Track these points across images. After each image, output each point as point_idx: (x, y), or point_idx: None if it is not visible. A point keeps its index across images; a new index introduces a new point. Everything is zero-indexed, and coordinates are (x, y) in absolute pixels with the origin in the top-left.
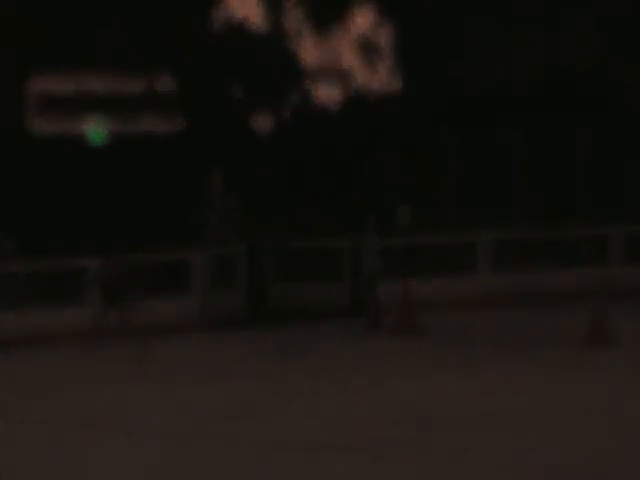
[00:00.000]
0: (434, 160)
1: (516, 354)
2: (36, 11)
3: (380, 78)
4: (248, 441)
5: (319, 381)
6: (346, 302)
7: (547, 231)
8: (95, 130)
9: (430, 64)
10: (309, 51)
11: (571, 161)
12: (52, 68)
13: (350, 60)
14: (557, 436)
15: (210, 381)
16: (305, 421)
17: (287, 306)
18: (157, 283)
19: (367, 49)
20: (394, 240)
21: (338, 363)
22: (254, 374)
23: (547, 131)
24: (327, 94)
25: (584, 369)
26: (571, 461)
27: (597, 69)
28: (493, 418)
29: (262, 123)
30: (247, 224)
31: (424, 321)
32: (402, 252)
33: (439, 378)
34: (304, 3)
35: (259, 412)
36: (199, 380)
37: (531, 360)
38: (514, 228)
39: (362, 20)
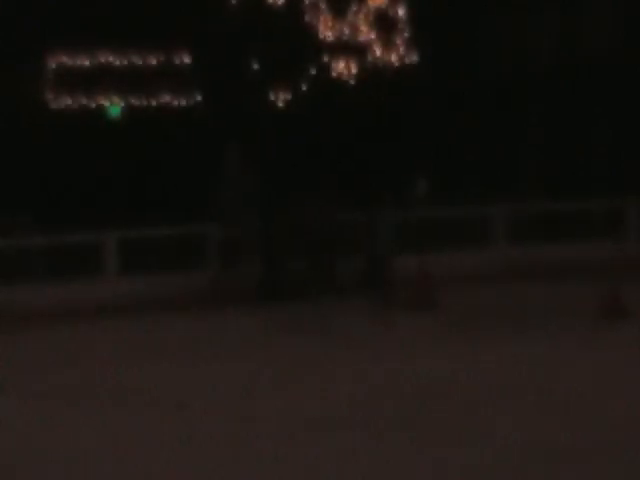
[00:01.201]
0: (452, 136)
1: (532, 328)
2: None
3: (397, 51)
4: (261, 417)
5: (333, 356)
6: (362, 277)
7: (563, 204)
8: (112, 104)
9: (447, 40)
10: (326, 25)
11: (587, 140)
12: (69, 43)
13: (367, 34)
14: (570, 413)
15: (221, 357)
16: (317, 397)
17: (302, 282)
18: (172, 257)
19: (384, 23)
20: (410, 213)
21: (353, 338)
22: (269, 350)
23: (564, 111)
24: (344, 68)
25: (599, 343)
26: (583, 439)
27: (614, 52)
28: (505, 393)
29: (279, 97)
30: (264, 199)
31: (440, 295)
32: (418, 225)
33: (454, 353)
34: None
35: (272, 388)
36: (211, 356)
37: (547, 334)
38: (530, 201)
39: None
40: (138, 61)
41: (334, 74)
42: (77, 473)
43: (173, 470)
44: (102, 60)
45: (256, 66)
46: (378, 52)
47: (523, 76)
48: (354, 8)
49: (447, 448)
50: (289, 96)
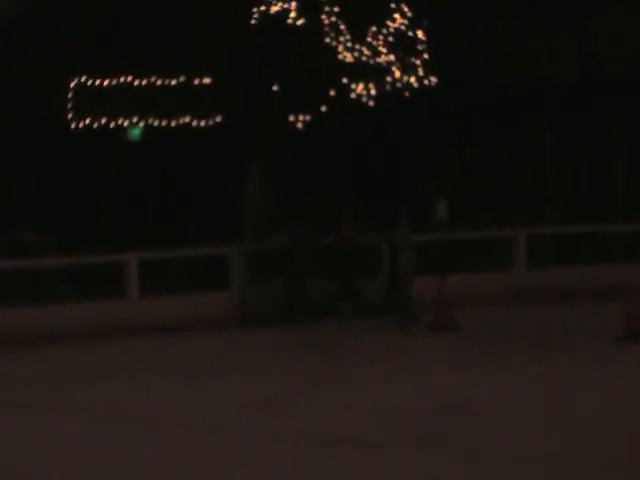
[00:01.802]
0: (471, 157)
1: (551, 350)
2: (77, 7)
3: (416, 74)
4: (279, 434)
5: (352, 377)
6: (382, 298)
7: (582, 227)
8: (132, 124)
9: (465, 60)
10: (346, 47)
11: (608, 158)
12: (90, 63)
13: (386, 55)
14: (587, 434)
15: (246, 376)
16: (336, 415)
17: (323, 302)
18: (195, 278)
19: (403, 44)
20: (431, 235)
21: (372, 359)
22: (289, 369)
23: (582, 130)
24: (364, 90)
25: (618, 365)
26: (599, 459)
27: (630, 66)
28: (523, 414)
29: (298, 118)
30: (284, 220)
31: (459, 317)
32: (439, 248)
33: (473, 374)
34: None
35: (292, 406)
36: (235, 375)
37: (565, 356)
38: (549, 225)
39: (398, 16)
40: (158, 82)
41: (353, 95)
42: None
43: None
44: (123, 81)
45: (276, 88)
46: (397, 74)
47: (542, 96)
48: (373, 30)
49: (463, 465)
50: (308, 117)
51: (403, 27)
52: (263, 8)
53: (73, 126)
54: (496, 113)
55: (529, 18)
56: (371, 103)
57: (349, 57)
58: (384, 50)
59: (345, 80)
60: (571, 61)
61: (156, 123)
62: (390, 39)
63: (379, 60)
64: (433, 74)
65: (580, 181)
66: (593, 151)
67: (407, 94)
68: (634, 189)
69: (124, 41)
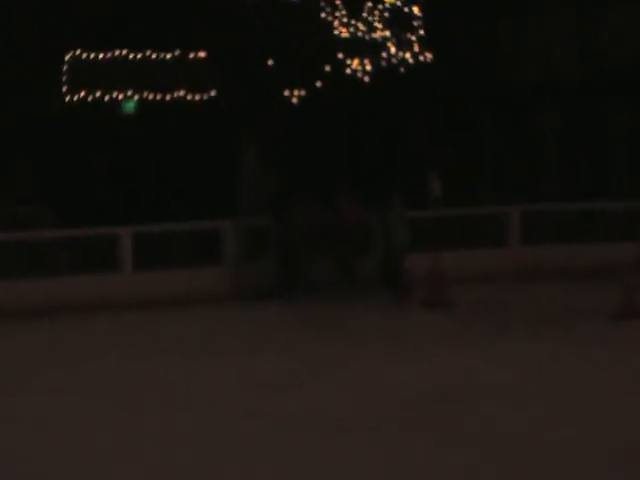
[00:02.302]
0: (468, 135)
1: (545, 328)
2: None
3: (412, 50)
4: (274, 413)
5: (348, 355)
6: (376, 275)
7: (578, 204)
8: (127, 98)
9: (463, 40)
10: (341, 22)
11: (605, 143)
12: (85, 37)
13: (382, 31)
14: (585, 414)
15: (240, 352)
16: (329, 395)
17: (318, 279)
18: (189, 253)
19: (399, 20)
20: (425, 212)
21: (366, 335)
22: (284, 346)
23: (582, 115)
24: (359, 65)
25: (612, 343)
26: (598, 439)
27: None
28: (519, 391)
29: (293, 94)
30: (278, 195)
31: (454, 294)
32: (432, 224)
33: (467, 351)
34: None
35: (283, 385)
36: (229, 351)
37: (559, 334)
38: (545, 201)
39: None
40: (153, 56)
41: (349, 71)
42: (87, 469)
43: (185, 466)
44: (118, 54)
45: (271, 62)
46: (393, 50)
47: (540, 78)
48: (369, 5)
49: (460, 448)
50: (303, 93)
51: (399, 3)
52: None
53: (67, 99)
54: (493, 100)
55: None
56: (366, 79)
57: (345, 32)
58: (380, 26)
59: (340, 56)
60: (575, 53)
61: (151, 97)
62: (386, 15)
63: (374, 36)
64: (428, 50)
65: (579, 167)
66: (592, 138)
67: (402, 70)
68: (633, 175)
69: (119, 14)
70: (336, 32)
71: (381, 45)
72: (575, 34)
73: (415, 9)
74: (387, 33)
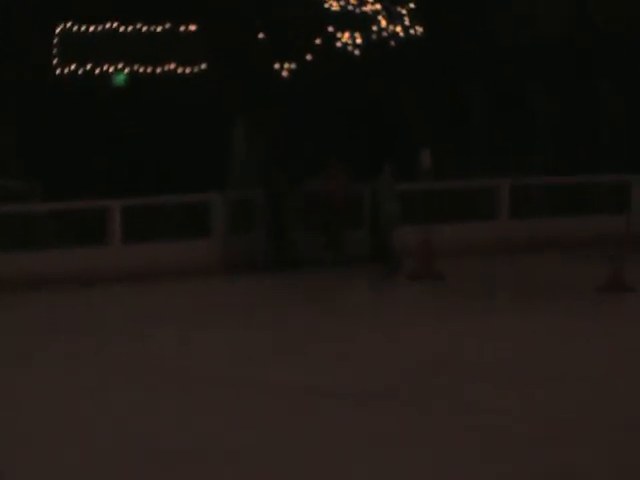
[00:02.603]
0: (459, 107)
1: (533, 301)
2: None
3: (402, 23)
4: (262, 385)
5: (335, 326)
6: (366, 248)
7: (566, 177)
8: (117, 71)
9: (453, 11)
10: None
11: (595, 113)
12: (76, 10)
13: (372, 5)
14: (570, 386)
15: (227, 324)
16: (319, 367)
17: (306, 251)
18: (177, 225)
19: None
20: (414, 185)
21: (355, 309)
22: (271, 319)
23: (571, 83)
24: (349, 39)
25: (600, 317)
26: (582, 411)
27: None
28: (506, 363)
29: (284, 66)
30: (268, 169)
31: (442, 267)
32: (422, 197)
33: (455, 325)
34: None
35: (275, 356)
36: (215, 323)
37: (547, 307)
38: (534, 175)
39: None
40: (144, 28)
41: (339, 44)
42: (79, 439)
43: (180, 436)
44: (108, 27)
45: (261, 35)
46: (383, 23)
47: (533, 47)
48: None
49: (448, 416)
50: (294, 66)
51: None
52: None
53: (58, 72)
54: (483, 64)
55: None
56: (357, 52)
57: (335, 6)
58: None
59: (331, 29)
60: (560, 18)
61: (141, 70)
62: None
63: (365, 9)
64: (419, 24)
65: (567, 133)
66: (579, 103)
67: (393, 43)
68: (618, 140)
69: None
70: (326, 5)
71: (372, 18)
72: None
73: None
74: (378, 6)
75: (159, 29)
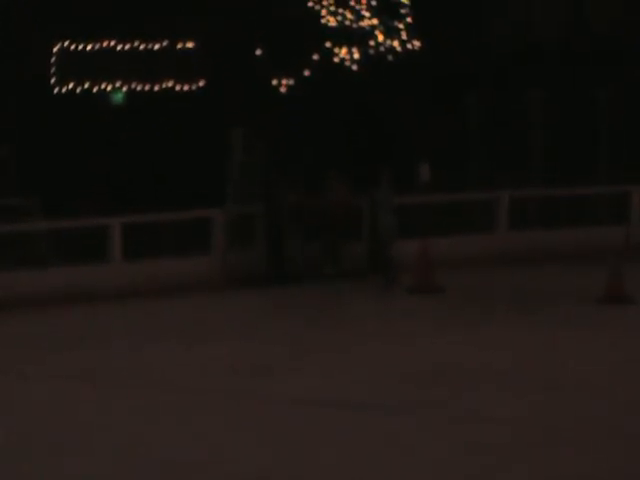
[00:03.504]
0: (456, 120)
1: (532, 313)
2: None
3: (399, 38)
4: (265, 397)
5: (335, 339)
6: (364, 261)
7: (565, 189)
8: (115, 89)
9: (450, 24)
10: (329, 11)
11: (592, 120)
12: (73, 28)
13: (369, 20)
14: (569, 396)
15: (229, 338)
16: (321, 378)
17: (306, 265)
18: (178, 241)
19: (386, 9)
20: (413, 198)
21: (355, 321)
22: (272, 332)
23: (567, 90)
24: (347, 54)
25: (599, 328)
26: (580, 420)
27: (617, 27)
28: (506, 375)
29: (282, 82)
30: (268, 182)
31: (442, 279)
32: (420, 210)
33: (454, 336)
34: None
35: (276, 369)
36: (220, 338)
37: (546, 318)
38: (533, 187)
39: None
40: (141, 46)
41: (337, 60)
42: (79, 451)
43: (179, 448)
44: (106, 45)
45: (259, 52)
46: (380, 38)
47: (527, 58)
48: None
49: (449, 427)
50: (292, 81)
51: None
52: None
53: (56, 91)
54: (480, 76)
55: None
56: (354, 67)
57: (332, 21)
58: (367, 14)
59: (328, 44)
60: (557, 24)
61: (139, 87)
62: (373, 3)
63: (362, 24)
64: (416, 38)
65: (564, 143)
66: (577, 112)
67: (390, 58)
68: (617, 151)
69: (107, 5)
70: (324, 21)
71: (369, 33)
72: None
73: None
74: (375, 21)
75: (156, 47)
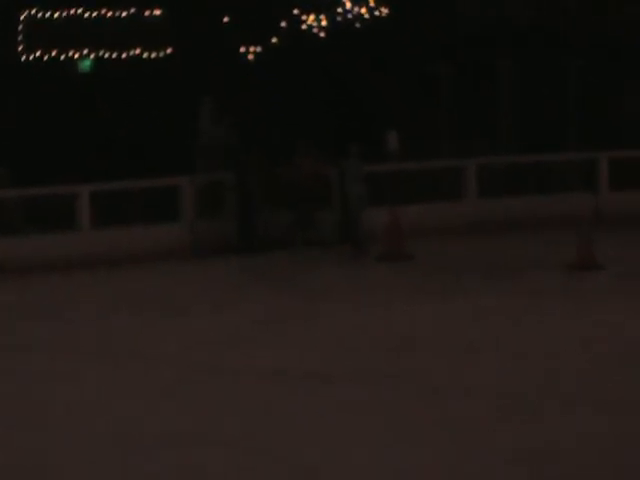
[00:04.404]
0: (426, 90)
1: (502, 281)
2: None
3: (367, 5)
4: (236, 368)
5: (305, 308)
6: (334, 230)
7: (533, 157)
8: (83, 57)
9: None
10: None
11: (562, 93)
12: None
13: None
14: (538, 365)
15: (201, 309)
16: (288, 349)
17: (276, 234)
18: (146, 210)
19: None
20: (382, 166)
21: (325, 290)
22: (242, 302)
23: (538, 64)
24: (315, 21)
25: (568, 295)
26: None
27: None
28: (475, 343)
29: (249, 50)
30: (236, 152)
31: (411, 248)
32: (389, 179)
33: (423, 305)
34: None
35: (248, 339)
36: (190, 308)
37: (516, 287)
38: (502, 155)
39: None
40: (109, 14)
41: (304, 27)
42: (59, 424)
43: (155, 422)
44: (73, 13)
45: (226, 19)
46: (348, 5)
47: (499, 28)
48: None
49: (420, 400)
50: (259, 49)
51: None
52: None
53: (23, 59)
54: (452, 47)
55: None
56: (322, 34)
57: None
58: None
59: (296, 11)
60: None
61: (107, 55)
62: None
63: None
64: (384, 5)
65: (533, 112)
66: (547, 83)
67: (358, 25)
68: (586, 119)
69: None
70: None
71: (336, 1)
72: None
73: None
74: None
75: (124, 14)
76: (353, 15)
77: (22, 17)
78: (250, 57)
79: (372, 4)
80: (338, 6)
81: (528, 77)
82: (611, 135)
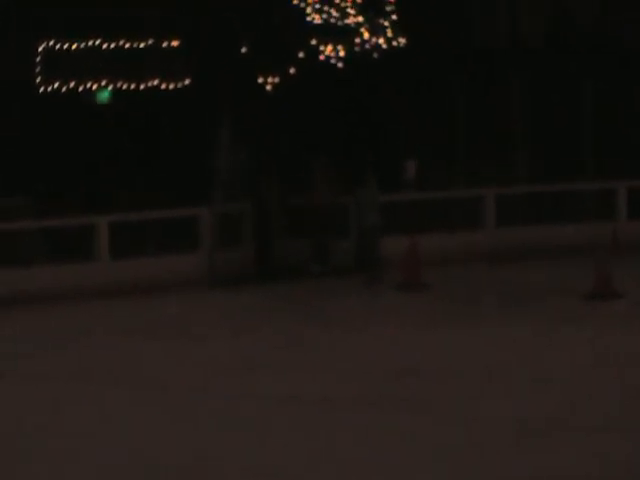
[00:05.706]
0: (441, 116)
1: (520, 309)
2: None
3: (385, 35)
4: (257, 394)
5: (324, 336)
6: (351, 259)
7: (552, 185)
8: (101, 88)
9: (435, 18)
10: (314, 8)
11: (576, 114)
12: (58, 27)
13: (355, 17)
14: (556, 393)
15: (219, 336)
16: (306, 375)
17: (293, 263)
18: (165, 239)
19: (371, 6)
20: (399, 195)
21: (345, 320)
22: (259, 329)
23: (552, 85)
24: (332, 51)
25: (586, 323)
26: (570, 414)
27: (599, 20)
28: (493, 371)
29: (267, 80)
30: (254, 180)
31: (428, 276)
32: (407, 207)
33: (440, 333)
34: None
35: (267, 366)
36: (208, 336)
37: (534, 315)
38: (519, 183)
39: None
40: (126, 45)
41: (322, 57)
42: (73, 452)
43: (170, 447)
44: (91, 44)
45: (244, 50)
46: (366, 35)
47: (512, 50)
48: None
49: (436, 427)
50: (277, 79)
51: None
52: None
53: (42, 90)
54: (466, 69)
55: None
56: (340, 64)
57: (318, 19)
58: (352, 11)
59: (314, 42)
60: (542, 15)
61: (125, 86)
62: (358, 0)
63: (347, 22)
64: (402, 35)
65: (550, 136)
66: (562, 106)
67: (376, 55)
68: (603, 144)
69: (91, 4)
70: (309, 18)
71: (354, 31)
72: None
73: None
74: (360, 19)
75: (142, 45)
76: (371, 45)
77: (40, 48)
78: (268, 87)
79: (390, 34)
80: (356, 36)
81: (541, 99)
82: (629, 162)
